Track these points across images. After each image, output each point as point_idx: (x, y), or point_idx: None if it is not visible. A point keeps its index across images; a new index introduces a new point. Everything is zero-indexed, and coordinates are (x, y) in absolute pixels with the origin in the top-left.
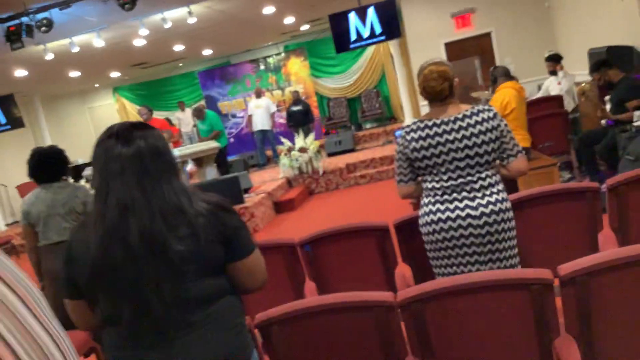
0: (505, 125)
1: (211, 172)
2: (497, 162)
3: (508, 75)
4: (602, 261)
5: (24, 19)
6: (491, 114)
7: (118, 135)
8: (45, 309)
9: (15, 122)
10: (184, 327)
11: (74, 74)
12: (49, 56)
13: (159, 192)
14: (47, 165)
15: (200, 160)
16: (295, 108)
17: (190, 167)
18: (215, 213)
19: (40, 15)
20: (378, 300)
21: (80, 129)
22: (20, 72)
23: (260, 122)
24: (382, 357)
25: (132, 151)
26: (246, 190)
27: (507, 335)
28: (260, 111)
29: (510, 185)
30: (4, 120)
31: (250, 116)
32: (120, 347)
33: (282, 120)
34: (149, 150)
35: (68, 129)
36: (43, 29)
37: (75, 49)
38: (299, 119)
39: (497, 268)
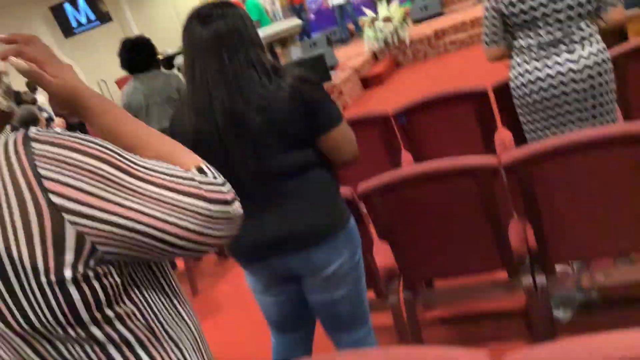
0: None
1: (296, 52)
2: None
3: None
4: None
5: None
6: None
7: (199, 17)
8: (140, 161)
9: (103, 17)
10: (276, 197)
11: None
12: None
13: (237, 69)
14: (138, 54)
15: (284, 40)
16: None
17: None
18: (297, 86)
19: None
20: (482, 164)
21: (166, 18)
22: None
23: None
24: (486, 221)
25: (211, 32)
26: (332, 68)
27: (618, 192)
28: None
29: (620, 34)
30: (93, 17)
31: None
32: None
33: None
34: (228, 30)
35: (154, 20)
36: None
37: None
38: None
39: (599, 124)
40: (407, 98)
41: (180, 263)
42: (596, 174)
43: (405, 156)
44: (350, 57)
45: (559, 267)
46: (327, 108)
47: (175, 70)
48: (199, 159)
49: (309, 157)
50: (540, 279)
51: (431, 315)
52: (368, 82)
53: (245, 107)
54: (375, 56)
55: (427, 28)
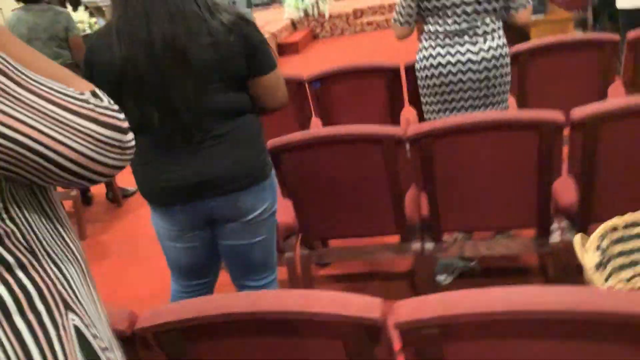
0: None
1: None
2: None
3: None
4: (614, 107)
5: None
6: None
7: None
8: (33, 76)
9: None
10: (210, 137)
11: None
12: None
13: (179, 2)
14: None
15: None
16: None
17: None
18: (238, 24)
19: None
20: (388, 133)
21: None
22: None
23: None
24: (386, 188)
25: None
26: None
27: (509, 173)
28: None
29: (523, 34)
30: None
31: None
32: (150, 153)
33: None
34: None
35: None
36: None
37: None
38: None
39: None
40: (321, 68)
41: (68, 205)
42: (490, 154)
43: (315, 122)
44: (269, 22)
45: (445, 237)
46: (266, 50)
47: (81, 8)
48: (92, 85)
49: (244, 101)
50: (428, 245)
51: (324, 272)
52: (284, 49)
53: (189, 41)
54: (294, 25)
55: (347, 6)
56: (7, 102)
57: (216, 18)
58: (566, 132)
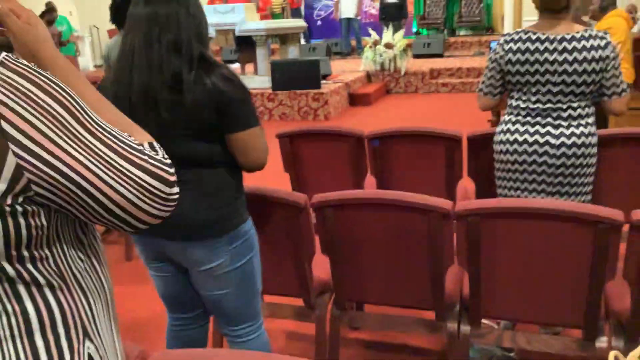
0: (616, 58)
1: (293, 51)
2: (596, 95)
3: (615, 4)
4: None
5: None
6: (603, 43)
7: None
8: (98, 120)
9: None
10: None
11: None
12: None
13: (162, 51)
14: (126, 10)
15: (285, 37)
16: (390, 0)
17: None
18: (217, 83)
19: None
20: (437, 205)
21: None
22: None
23: (346, 10)
24: (427, 261)
25: (148, 12)
26: (324, 77)
27: (559, 268)
28: None
29: (600, 120)
30: None
31: (337, 2)
32: None
33: (374, 11)
34: (165, 14)
35: None
36: None
37: None
38: (392, 12)
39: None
40: (388, 123)
41: None
42: (541, 244)
43: (369, 180)
44: (344, 71)
45: (485, 321)
46: (241, 110)
47: None
48: (150, 137)
49: (214, 153)
50: (465, 328)
51: (354, 335)
52: (356, 100)
53: (160, 91)
54: (369, 77)
55: (424, 65)
56: (71, 143)
57: (197, 74)
58: (626, 228)
